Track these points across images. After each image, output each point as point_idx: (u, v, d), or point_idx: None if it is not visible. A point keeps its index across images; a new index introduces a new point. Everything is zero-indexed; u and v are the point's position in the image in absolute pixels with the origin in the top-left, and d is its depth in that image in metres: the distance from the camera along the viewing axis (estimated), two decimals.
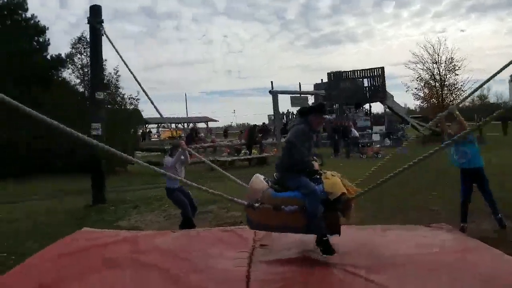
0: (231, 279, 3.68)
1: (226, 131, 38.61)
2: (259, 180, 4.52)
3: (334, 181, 4.18)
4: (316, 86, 37.66)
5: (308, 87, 38.11)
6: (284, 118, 30.44)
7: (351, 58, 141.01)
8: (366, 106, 37.14)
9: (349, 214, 4.20)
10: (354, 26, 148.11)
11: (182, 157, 6.05)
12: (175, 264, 4.07)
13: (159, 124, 40.96)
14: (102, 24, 8.00)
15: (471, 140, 5.07)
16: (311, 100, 20.27)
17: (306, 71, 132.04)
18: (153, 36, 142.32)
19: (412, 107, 34.00)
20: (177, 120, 39.41)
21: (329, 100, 35.80)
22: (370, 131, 29.11)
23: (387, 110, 32.75)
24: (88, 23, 7.94)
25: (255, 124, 24.50)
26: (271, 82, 31.25)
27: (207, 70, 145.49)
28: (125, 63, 7.24)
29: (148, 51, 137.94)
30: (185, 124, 39.49)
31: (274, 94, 17.74)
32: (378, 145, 15.58)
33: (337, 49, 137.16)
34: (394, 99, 34.28)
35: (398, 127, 28.57)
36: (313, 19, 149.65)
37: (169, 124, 39.85)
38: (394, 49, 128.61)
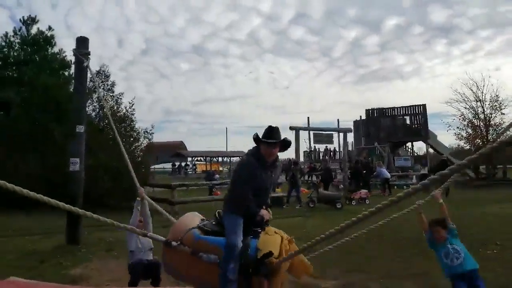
0: None
1: None
2: (191, 217, 3.82)
3: (272, 239, 3.34)
4: (355, 123, 36.52)
5: (349, 123, 37.15)
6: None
7: (399, 95, 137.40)
8: (409, 145, 35.39)
9: (276, 281, 3.27)
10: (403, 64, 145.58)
11: (139, 217, 5.02)
12: None
13: (193, 158, 41.30)
14: (89, 56, 7.80)
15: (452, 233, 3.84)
16: (339, 137, 19.11)
17: (352, 107, 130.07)
18: (203, 72, 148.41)
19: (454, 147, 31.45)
20: (212, 154, 39.46)
21: (367, 138, 34.50)
22: (411, 171, 27.21)
23: (430, 150, 30.82)
24: (73, 54, 7.78)
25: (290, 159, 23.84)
26: (307, 118, 30.59)
27: (252, 105, 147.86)
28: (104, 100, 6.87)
29: (197, 86, 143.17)
30: (221, 158, 39.51)
31: (296, 130, 17.08)
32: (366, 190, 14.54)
33: (385, 85, 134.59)
34: (438, 139, 32.26)
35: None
36: (360, 56, 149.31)
37: (205, 157, 40.17)
38: (444, 87, 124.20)
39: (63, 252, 7.22)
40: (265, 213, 3.57)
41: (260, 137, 3.47)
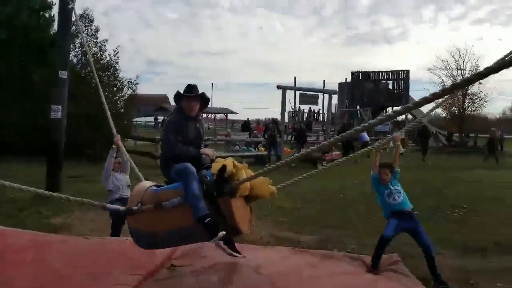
0: None
1: (245, 124, 35.43)
2: (145, 183, 3.86)
3: (224, 162, 3.38)
4: (340, 85, 36.40)
5: (335, 86, 36.84)
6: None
7: (386, 60, 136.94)
8: (390, 110, 35.77)
9: (241, 196, 3.37)
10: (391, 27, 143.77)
11: (116, 159, 4.94)
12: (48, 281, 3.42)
13: None
14: None
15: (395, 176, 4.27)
16: (323, 98, 19.17)
17: (339, 69, 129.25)
18: (190, 24, 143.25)
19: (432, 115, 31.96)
20: None
21: (351, 101, 34.60)
22: (389, 136, 27.68)
23: (409, 116, 31.27)
24: None
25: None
26: (294, 78, 30.21)
27: (239, 61, 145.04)
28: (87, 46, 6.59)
29: (184, 38, 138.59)
30: (205, 114, 38.86)
31: (283, 89, 16.96)
32: (338, 152, 15.14)
33: (373, 48, 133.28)
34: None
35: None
36: (350, 17, 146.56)
37: None
38: (429, 53, 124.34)
39: (42, 202, 7.06)
40: (207, 151, 3.73)
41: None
